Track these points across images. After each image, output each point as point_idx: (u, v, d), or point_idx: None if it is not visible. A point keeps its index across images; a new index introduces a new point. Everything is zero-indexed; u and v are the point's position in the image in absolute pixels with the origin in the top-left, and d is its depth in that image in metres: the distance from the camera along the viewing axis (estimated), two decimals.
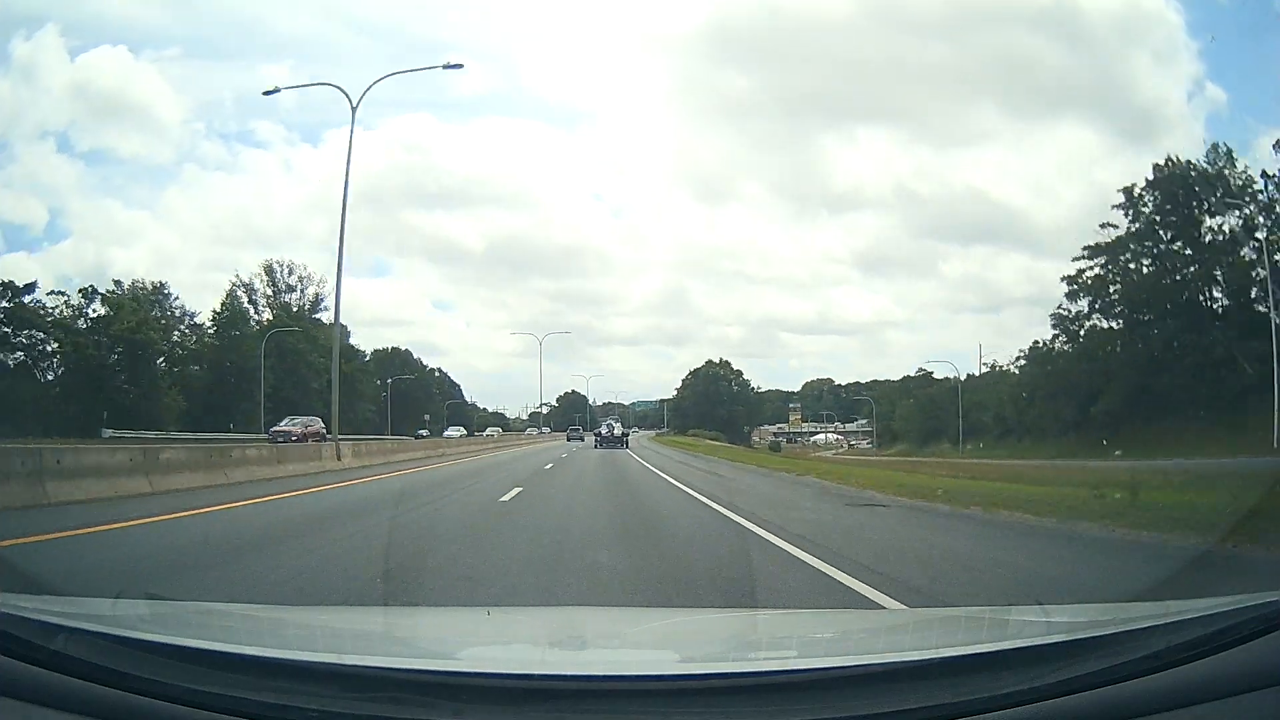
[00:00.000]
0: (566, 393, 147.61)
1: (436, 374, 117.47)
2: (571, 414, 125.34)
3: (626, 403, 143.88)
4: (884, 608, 5.35)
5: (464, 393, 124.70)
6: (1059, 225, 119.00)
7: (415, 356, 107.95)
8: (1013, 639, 2.26)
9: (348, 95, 31.22)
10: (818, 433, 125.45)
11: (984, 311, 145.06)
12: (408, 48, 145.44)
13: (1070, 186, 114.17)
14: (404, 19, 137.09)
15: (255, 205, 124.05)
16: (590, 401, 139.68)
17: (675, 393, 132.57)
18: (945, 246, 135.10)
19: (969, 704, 1.59)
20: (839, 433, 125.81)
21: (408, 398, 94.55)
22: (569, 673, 1.91)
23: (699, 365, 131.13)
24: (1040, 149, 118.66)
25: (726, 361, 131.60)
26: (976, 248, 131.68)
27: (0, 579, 6.03)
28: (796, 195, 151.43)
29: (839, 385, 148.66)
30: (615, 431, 54.28)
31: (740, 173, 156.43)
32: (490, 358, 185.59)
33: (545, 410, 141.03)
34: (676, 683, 1.76)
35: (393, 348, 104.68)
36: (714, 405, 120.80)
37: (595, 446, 49.36)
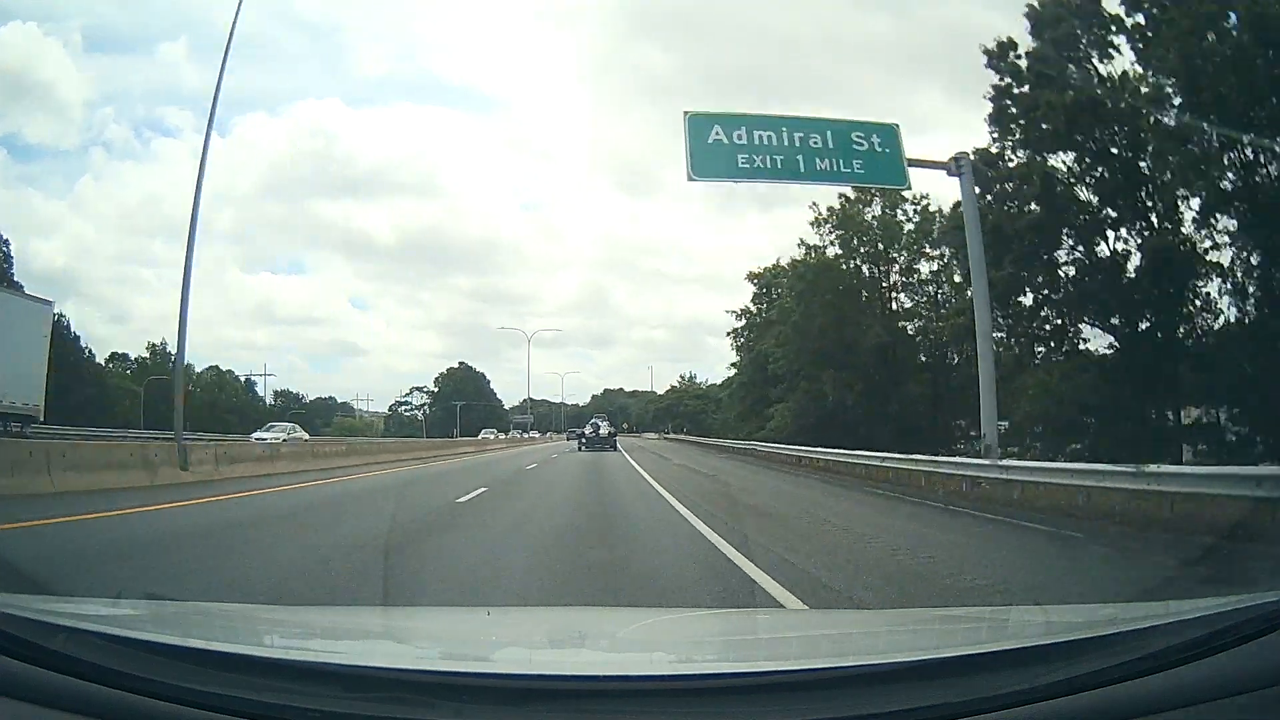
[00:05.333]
0: (449, 369, 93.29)
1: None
2: (460, 400, 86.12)
3: (554, 400, 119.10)
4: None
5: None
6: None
7: None
8: (1013, 639, 2.27)
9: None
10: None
11: None
12: (299, 26, 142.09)
13: None
14: None
15: (168, 193, 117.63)
16: (495, 393, 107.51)
17: (743, 318, 58.38)
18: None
19: (969, 704, 1.58)
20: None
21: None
22: (569, 673, 1.91)
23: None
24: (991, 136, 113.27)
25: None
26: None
27: (0, 579, 6.03)
28: (723, 187, 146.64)
29: None
30: (601, 432, 53.80)
31: (663, 162, 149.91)
32: (412, 358, 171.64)
33: (423, 398, 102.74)
34: (677, 683, 1.76)
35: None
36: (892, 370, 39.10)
37: (579, 449, 48.64)
